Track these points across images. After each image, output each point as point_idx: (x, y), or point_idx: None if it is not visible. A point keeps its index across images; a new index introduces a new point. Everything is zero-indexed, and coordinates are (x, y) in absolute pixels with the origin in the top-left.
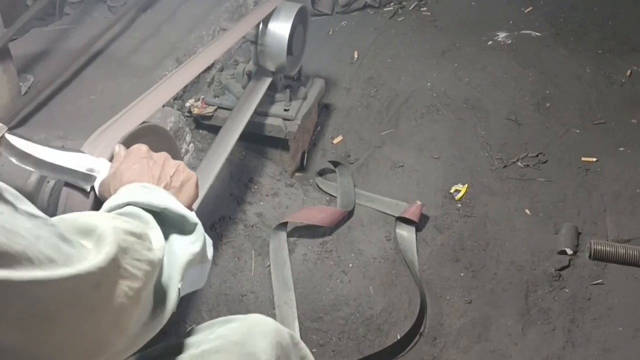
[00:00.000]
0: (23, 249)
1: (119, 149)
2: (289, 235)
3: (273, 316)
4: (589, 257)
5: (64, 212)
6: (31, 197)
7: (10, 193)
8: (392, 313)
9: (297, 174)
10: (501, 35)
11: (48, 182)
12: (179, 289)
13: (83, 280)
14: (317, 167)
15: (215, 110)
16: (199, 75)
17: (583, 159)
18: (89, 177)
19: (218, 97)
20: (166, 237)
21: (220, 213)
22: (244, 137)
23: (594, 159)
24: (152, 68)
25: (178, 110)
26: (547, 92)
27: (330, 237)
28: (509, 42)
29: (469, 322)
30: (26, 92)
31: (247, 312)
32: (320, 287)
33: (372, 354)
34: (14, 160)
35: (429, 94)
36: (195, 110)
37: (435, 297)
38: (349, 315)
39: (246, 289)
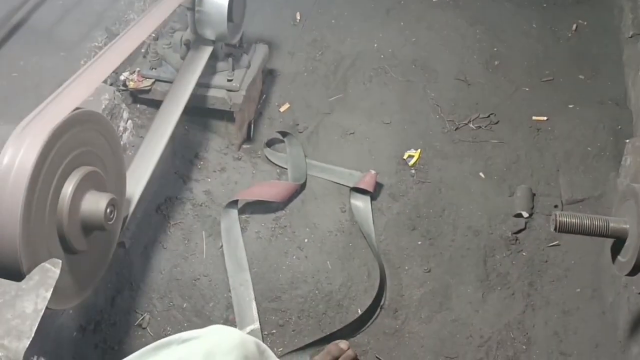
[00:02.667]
0: None
1: None
2: (240, 212)
3: (229, 299)
4: (554, 229)
5: None
6: None
7: None
8: (351, 287)
9: (244, 146)
10: None
11: None
12: None
13: None
14: (264, 138)
15: (153, 83)
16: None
17: (534, 118)
18: None
19: (155, 69)
20: None
21: (165, 193)
22: (186, 110)
23: (545, 118)
24: (79, 40)
25: (112, 85)
26: (495, 49)
27: (284, 212)
28: None
29: (429, 292)
30: None
31: (201, 296)
32: (277, 266)
33: (334, 332)
34: None
35: (376, 56)
36: (131, 84)
37: (394, 268)
38: (307, 292)
39: (199, 273)
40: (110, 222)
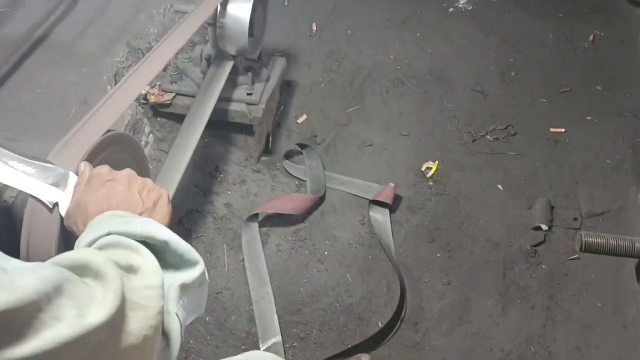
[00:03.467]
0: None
1: (84, 166)
2: (261, 225)
3: (251, 312)
4: (580, 249)
5: (29, 228)
6: None
7: None
8: (371, 300)
9: (263, 158)
10: (461, 0)
11: (5, 201)
12: (176, 314)
13: (99, 331)
14: (283, 149)
15: (174, 97)
16: None
17: (551, 130)
18: (53, 192)
19: (175, 82)
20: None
21: (187, 206)
22: (206, 123)
23: (562, 130)
24: (100, 55)
25: (134, 100)
26: (511, 60)
27: (303, 224)
28: (470, 8)
29: (448, 305)
30: None
31: (224, 309)
32: (297, 279)
33: (355, 345)
34: None
35: (393, 67)
36: (152, 99)
37: (413, 281)
38: (328, 305)
39: (221, 286)
40: None
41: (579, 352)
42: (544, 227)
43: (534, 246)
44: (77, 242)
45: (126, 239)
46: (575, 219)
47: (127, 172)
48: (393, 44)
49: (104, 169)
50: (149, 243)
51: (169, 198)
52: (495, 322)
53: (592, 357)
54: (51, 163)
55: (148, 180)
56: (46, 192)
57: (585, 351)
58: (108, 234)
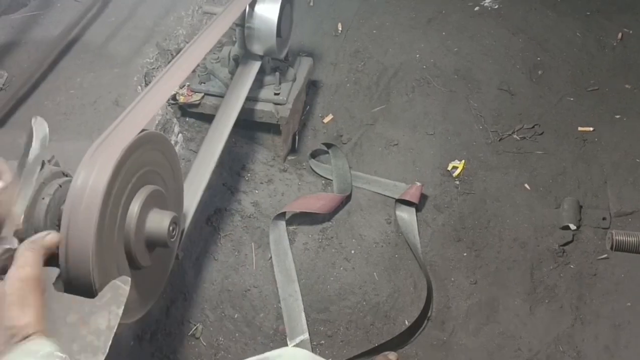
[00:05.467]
0: None
1: None
2: (288, 223)
3: (279, 310)
4: (610, 248)
5: None
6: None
7: None
8: (398, 299)
9: (289, 158)
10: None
11: (43, 198)
12: None
13: None
14: (309, 149)
15: (202, 97)
16: None
17: (580, 128)
18: None
19: (204, 83)
20: None
21: (215, 205)
22: (234, 123)
23: (591, 129)
24: (131, 56)
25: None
26: (538, 59)
27: (330, 223)
28: (496, 6)
29: (475, 304)
30: (1, 89)
31: (252, 307)
32: (325, 277)
33: (382, 343)
34: None
35: (419, 66)
36: (182, 99)
37: (440, 280)
38: (355, 304)
39: (249, 284)
40: (172, 239)
41: (608, 352)
42: (573, 226)
43: (562, 246)
44: None
45: None
46: (604, 219)
47: None
48: (419, 43)
49: None
50: None
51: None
52: (523, 321)
53: (622, 357)
54: None
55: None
56: None
57: (614, 351)
58: None
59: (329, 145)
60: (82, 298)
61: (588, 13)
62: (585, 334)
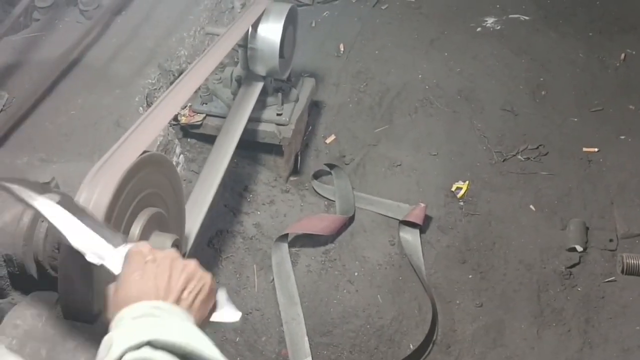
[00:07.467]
0: None
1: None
2: (290, 245)
3: (281, 333)
4: (621, 272)
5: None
6: (26, 237)
7: None
8: (402, 322)
9: (291, 178)
10: (490, 20)
11: (42, 221)
12: None
13: None
14: (311, 170)
15: (204, 118)
16: None
17: (584, 149)
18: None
19: (206, 103)
20: None
21: (216, 227)
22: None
23: (596, 149)
24: (132, 77)
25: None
26: (541, 79)
27: (333, 244)
28: (498, 27)
29: (482, 327)
30: (1, 110)
31: (254, 330)
32: (328, 300)
33: None
34: None
35: (421, 87)
36: (183, 119)
37: (445, 302)
38: (359, 327)
39: (251, 307)
40: None
41: None
42: (579, 248)
43: (569, 268)
44: (105, 340)
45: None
46: (611, 240)
47: (169, 254)
48: (421, 64)
49: (145, 247)
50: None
51: (212, 286)
52: (530, 345)
53: None
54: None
55: (190, 264)
56: (95, 253)
57: None
58: (148, 343)
59: (331, 166)
60: (80, 324)
61: (590, 34)
62: (594, 358)
